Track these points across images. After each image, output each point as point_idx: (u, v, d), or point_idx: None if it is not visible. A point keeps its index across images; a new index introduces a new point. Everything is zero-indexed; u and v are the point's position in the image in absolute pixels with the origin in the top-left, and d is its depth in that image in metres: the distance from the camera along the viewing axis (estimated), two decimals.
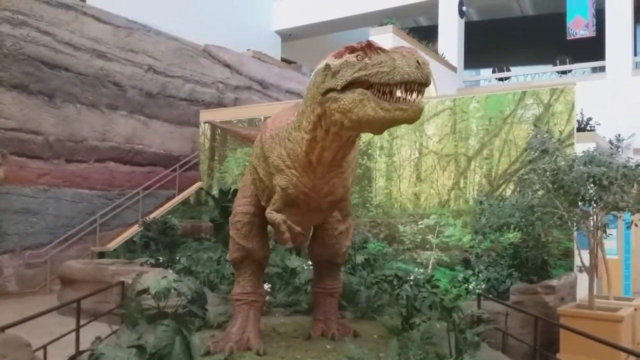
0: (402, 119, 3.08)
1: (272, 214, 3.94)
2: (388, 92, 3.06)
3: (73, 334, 5.56)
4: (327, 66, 3.35)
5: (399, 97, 3.04)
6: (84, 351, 4.01)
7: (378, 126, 3.22)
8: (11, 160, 11.85)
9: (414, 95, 3.04)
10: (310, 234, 5.00)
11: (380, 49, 3.16)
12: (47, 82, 12.56)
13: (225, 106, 16.48)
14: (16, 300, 11.04)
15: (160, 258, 10.59)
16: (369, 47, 3.17)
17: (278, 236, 4.00)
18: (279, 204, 3.93)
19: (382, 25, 15.90)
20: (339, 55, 3.32)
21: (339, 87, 3.23)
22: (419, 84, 3.01)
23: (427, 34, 20.01)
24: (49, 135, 12.62)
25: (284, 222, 3.85)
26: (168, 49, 15.52)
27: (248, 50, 19.05)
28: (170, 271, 8.83)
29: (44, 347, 4.90)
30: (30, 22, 12.23)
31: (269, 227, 4.94)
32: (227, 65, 17.48)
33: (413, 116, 3.07)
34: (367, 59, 3.15)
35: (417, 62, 2.99)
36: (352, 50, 3.25)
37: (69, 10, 13.08)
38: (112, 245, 12.64)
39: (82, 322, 5.69)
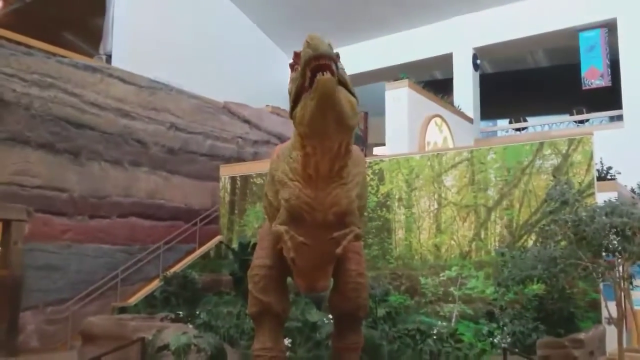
0: (320, 96, 3.27)
1: (276, 227, 4.04)
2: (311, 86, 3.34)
3: None
4: (289, 92, 3.69)
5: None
6: None
7: (320, 121, 3.40)
8: (36, 217, 12.09)
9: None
10: (331, 286, 5.00)
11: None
12: (73, 140, 12.94)
13: (245, 160, 16.73)
14: (37, 357, 11.04)
15: (181, 313, 10.57)
16: (296, 56, 3.49)
17: (285, 251, 4.04)
18: (284, 217, 4.06)
19: (397, 80, 16.15)
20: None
21: (292, 105, 3.60)
22: (315, 58, 3.23)
23: (442, 87, 20.22)
24: (74, 192, 12.88)
25: (286, 232, 3.93)
26: (189, 107, 15.97)
27: (267, 105, 19.46)
28: (190, 326, 8.79)
29: None
30: (57, 84, 12.72)
31: (289, 280, 4.95)
32: (246, 121, 17.86)
33: (324, 89, 3.26)
34: (297, 67, 3.45)
35: (307, 42, 3.26)
36: (291, 67, 3.63)
37: (95, 73, 13.61)
38: (133, 300, 12.67)
39: None
